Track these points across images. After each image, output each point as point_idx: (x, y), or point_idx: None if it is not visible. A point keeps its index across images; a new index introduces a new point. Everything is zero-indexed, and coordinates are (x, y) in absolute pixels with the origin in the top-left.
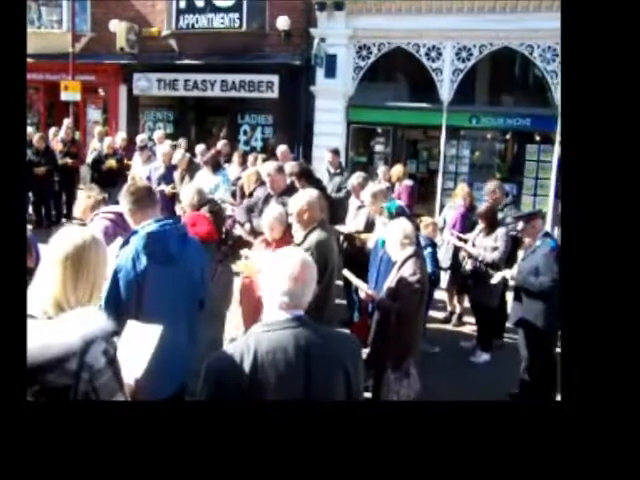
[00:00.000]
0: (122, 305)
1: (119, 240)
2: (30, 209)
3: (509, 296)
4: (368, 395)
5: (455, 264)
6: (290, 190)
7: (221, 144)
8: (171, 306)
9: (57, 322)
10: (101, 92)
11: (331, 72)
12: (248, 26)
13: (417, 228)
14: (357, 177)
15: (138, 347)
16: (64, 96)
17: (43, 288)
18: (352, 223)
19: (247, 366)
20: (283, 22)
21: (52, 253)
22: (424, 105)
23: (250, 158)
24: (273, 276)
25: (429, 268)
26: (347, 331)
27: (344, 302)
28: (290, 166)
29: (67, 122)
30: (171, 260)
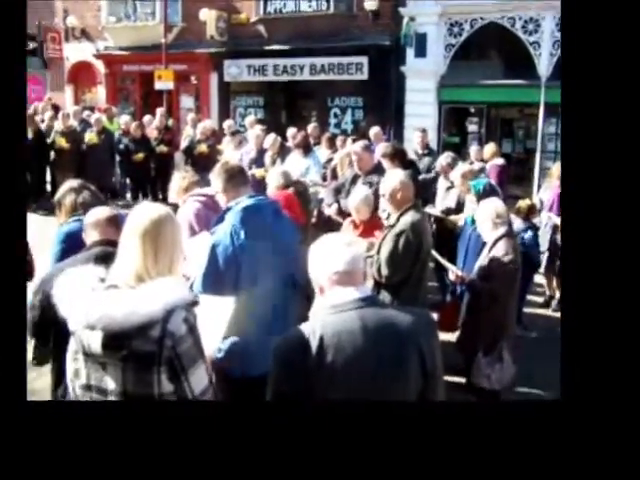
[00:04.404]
0: (221, 280)
1: (203, 234)
2: (128, 195)
3: None
4: (460, 379)
5: (553, 246)
6: (377, 170)
7: (311, 127)
8: (266, 281)
9: (140, 291)
10: (193, 80)
11: (421, 51)
12: (336, 8)
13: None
14: (445, 157)
15: (213, 321)
16: (158, 85)
17: (124, 261)
18: (441, 204)
19: (313, 350)
20: (371, 2)
21: (131, 228)
22: (520, 82)
23: (338, 140)
24: (323, 259)
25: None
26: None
27: (435, 285)
28: (383, 147)
29: (161, 110)
30: (267, 234)
